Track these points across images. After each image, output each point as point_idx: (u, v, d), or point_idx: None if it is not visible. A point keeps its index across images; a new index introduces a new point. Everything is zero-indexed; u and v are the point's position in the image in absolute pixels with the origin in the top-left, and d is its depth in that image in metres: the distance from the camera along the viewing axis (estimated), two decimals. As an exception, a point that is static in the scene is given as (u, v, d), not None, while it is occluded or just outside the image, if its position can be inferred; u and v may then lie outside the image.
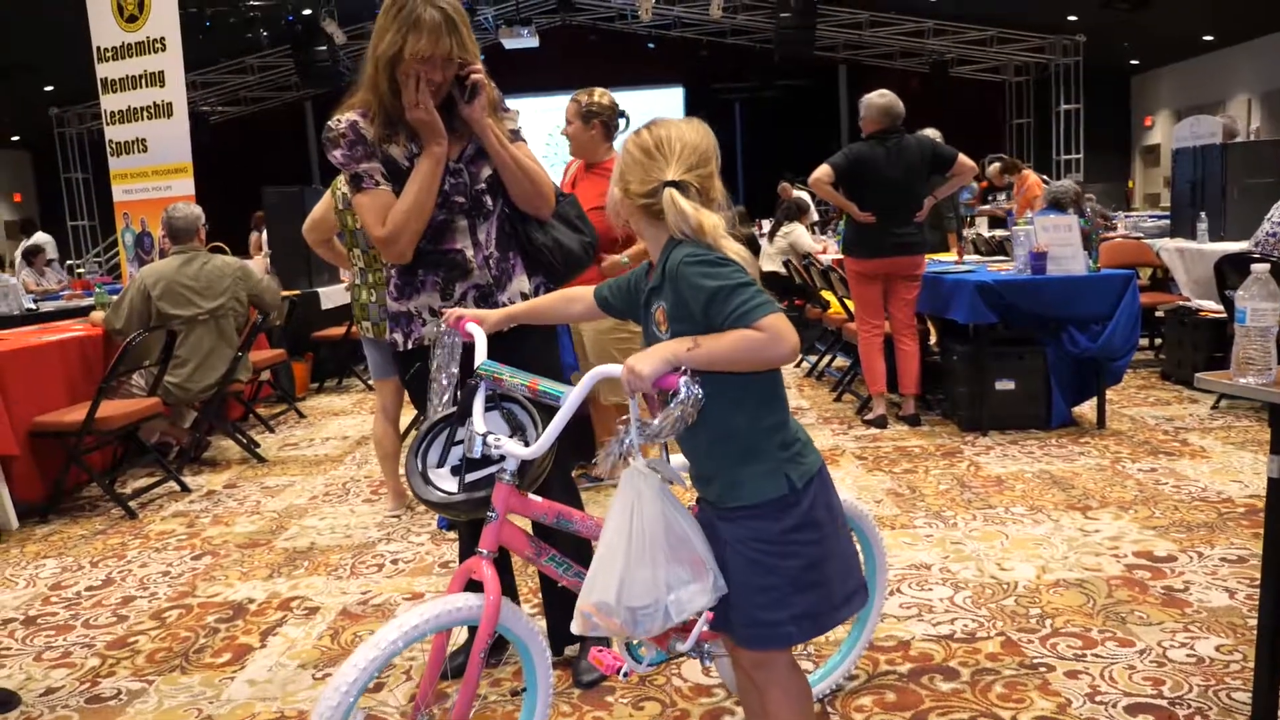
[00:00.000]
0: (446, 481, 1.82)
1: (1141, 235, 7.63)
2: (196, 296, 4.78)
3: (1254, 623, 2.19)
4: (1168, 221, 7.48)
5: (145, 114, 6.64)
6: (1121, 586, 2.84)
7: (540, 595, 2.66)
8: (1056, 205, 5.66)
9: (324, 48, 13.51)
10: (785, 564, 1.56)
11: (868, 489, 3.96)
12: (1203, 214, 6.24)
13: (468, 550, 2.46)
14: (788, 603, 1.56)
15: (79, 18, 6.76)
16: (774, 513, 1.56)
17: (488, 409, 1.81)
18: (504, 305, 2.26)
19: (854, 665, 2.35)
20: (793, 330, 1.44)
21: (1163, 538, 3.22)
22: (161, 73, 6.56)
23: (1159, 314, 6.17)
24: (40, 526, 4.17)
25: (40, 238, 11.41)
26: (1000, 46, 15.39)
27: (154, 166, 6.70)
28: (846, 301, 5.61)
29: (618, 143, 3.78)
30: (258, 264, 7.45)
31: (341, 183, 3.80)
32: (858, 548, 1.81)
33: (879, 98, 4.86)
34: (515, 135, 2.30)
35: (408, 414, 4.70)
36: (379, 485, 4.40)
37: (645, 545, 1.50)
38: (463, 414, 1.80)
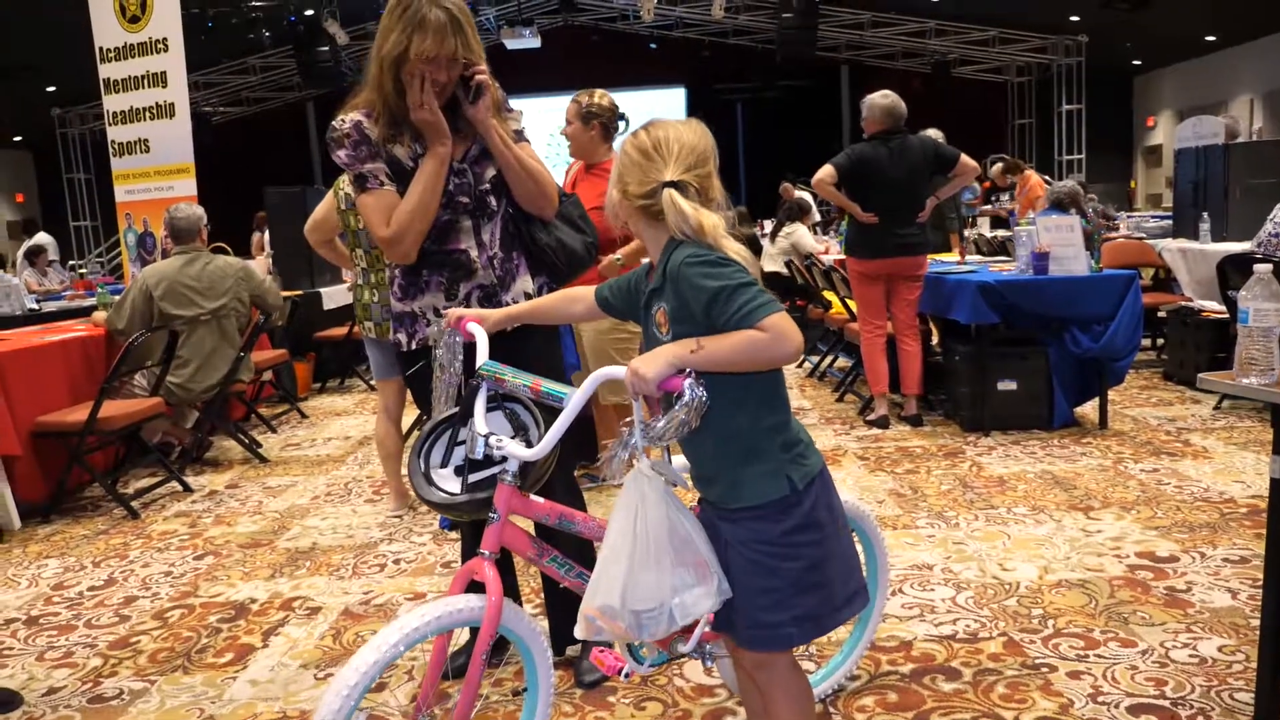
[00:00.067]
0: (449, 482, 1.82)
1: (1144, 235, 7.63)
2: (199, 297, 4.78)
3: (1256, 623, 2.19)
4: (1170, 222, 7.48)
5: (147, 114, 6.65)
6: (1124, 587, 2.84)
7: (542, 595, 2.66)
8: (1058, 206, 5.66)
9: (326, 48, 13.51)
10: (786, 565, 1.56)
11: (870, 489, 3.96)
12: (1205, 214, 6.23)
13: (470, 550, 2.47)
14: (789, 604, 1.56)
15: (80, 18, 6.77)
16: (775, 514, 1.55)
17: (491, 409, 1.81)
18: (508, 305, 2.26)
19: (856, 665, 2.35)
20: (796, 329, 1.44)
21: (1165, 538, 3.21)
22: (164, 73, 6.56)
23: (1161, 314, 6.16)
24: (42, 526, 4.17)
25: (42, 238, 11.43)
26: (1002, 47, 15.38)
27: (156, 167, 6.71)
28: (848, 302, 5.61)
29: (617, 144, 3.79)
30: (260, 264, 7.46)
31: (344, 183, 3.80)
32: (859, 548, 1.81)
33: (882, 98, 4.86)
34: (519, 135, 2.31)
35: (410, 414, 4.70)
36: (381, 485, 4.40)
37: (650, 548, 1.49)
38: (465, 414, 1.80)
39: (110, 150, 6.87)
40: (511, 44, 14.25)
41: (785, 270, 7.85)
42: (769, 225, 9.76)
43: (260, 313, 5.18)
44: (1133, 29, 13.68)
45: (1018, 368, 4.72)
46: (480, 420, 1.75)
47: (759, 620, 1.58)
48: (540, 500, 1.82)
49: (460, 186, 2.25)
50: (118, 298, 4.94)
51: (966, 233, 8.30)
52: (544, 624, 2.59)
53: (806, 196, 9.79)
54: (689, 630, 1.69)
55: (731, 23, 15.37)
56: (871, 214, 4.79)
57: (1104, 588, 2.84)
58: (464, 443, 1.79)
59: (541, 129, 2.58)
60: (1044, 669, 2.38)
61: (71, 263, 13.70)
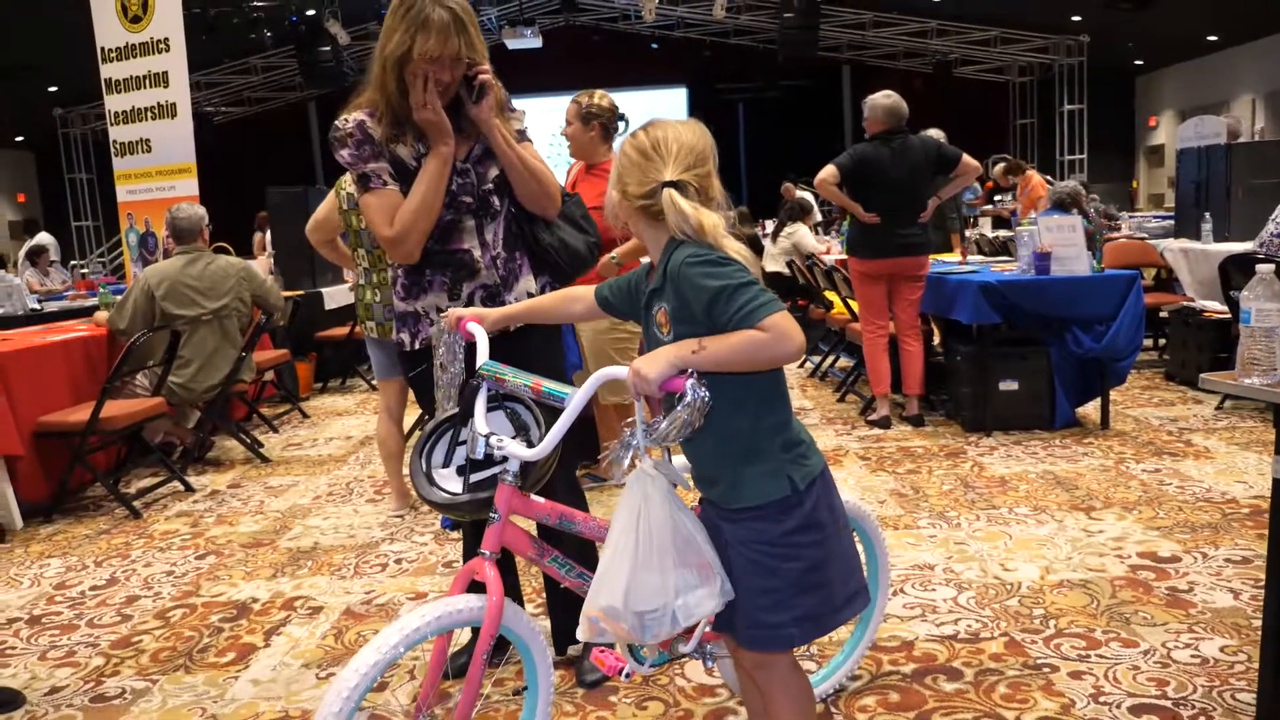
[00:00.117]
0: (451, 482, 1.82)
1: (1146, 236, 7.62)
2: (200, 297, 4.79)
3: (1258, 623, 2.19)
4: (1172, 222, 7.48)
5: (149, 114, 6.66)
6: (1125, 587, 2.84)
7: (544, 595, 2.66)
8: (1060, 206, 5.66)
9: (328, 48, 13.52)
10: (787, 566, 1.56)
11: (871, 489, 3.96)
12: (1207, 214, 6.23)
13: (471, 550, 2.47)
14: (789, 604, 1.56)
15: (81, 18, 6.78)
16: (776, 514, 1.55)
17: (492, 409, 1.80)
18: (520, 302, 2.26)
19: (857, 665, 2.35)
20: (797, 328, 1.44)
21: (1167, 538, 3.21)
22: (165, 73, 6.58)
23: (1163, 314, 6.16)
24: (45, 526, 4.17)
25: (43, 238, 11.44)
26: (1004, 47, 15.37)
27: (158, 167, 6.72)
28: (850, 302, 5.61)
29: (617, 144, 3.80)
30: (261, 264, 7.46)
31: (345, 183, 3.80)
32: (860, 548, 1.81)
33: (884, 98, 4.86)
34: (522, 135, 2.31)
35: (411, 414, 4.70)
36: (382, 485, 4.41)
37: (653, 549, 1.49)
38: (465, 414, 1.80)
39: (112, 150, 6.88)
40: (513, 44, 14.25)
41: (787, 270, 7.85)
42: (770, 225, 9.76)
43: (262, 313, 5.19)
44: (1134, 29, 13.67)
45: (1019, 368, 4.72)
46: (481, 420, 1.75)
47: (760, 620, 1.57)
48: (541, 500, 1.82)
49: (463, 186, 2.25)
50: (119, 298, 4.94)
51: (968, 233, 8.30)
52: (546, 624, 2.59)
53: (808, 196, 9.80)
54: (690, 630, 1.69)
55: (733, 23, 15.37)
56: (873, 214, 4.79)
57: (1106, 588, 2.84)
58: (465, 443, 1.79)
59: (543, 129, 2.59)
60: (1045, 669, 2.38)
61: (73, 263, 13.69)
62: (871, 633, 2.33)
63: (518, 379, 1.76)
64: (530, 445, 1.73)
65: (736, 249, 1.52)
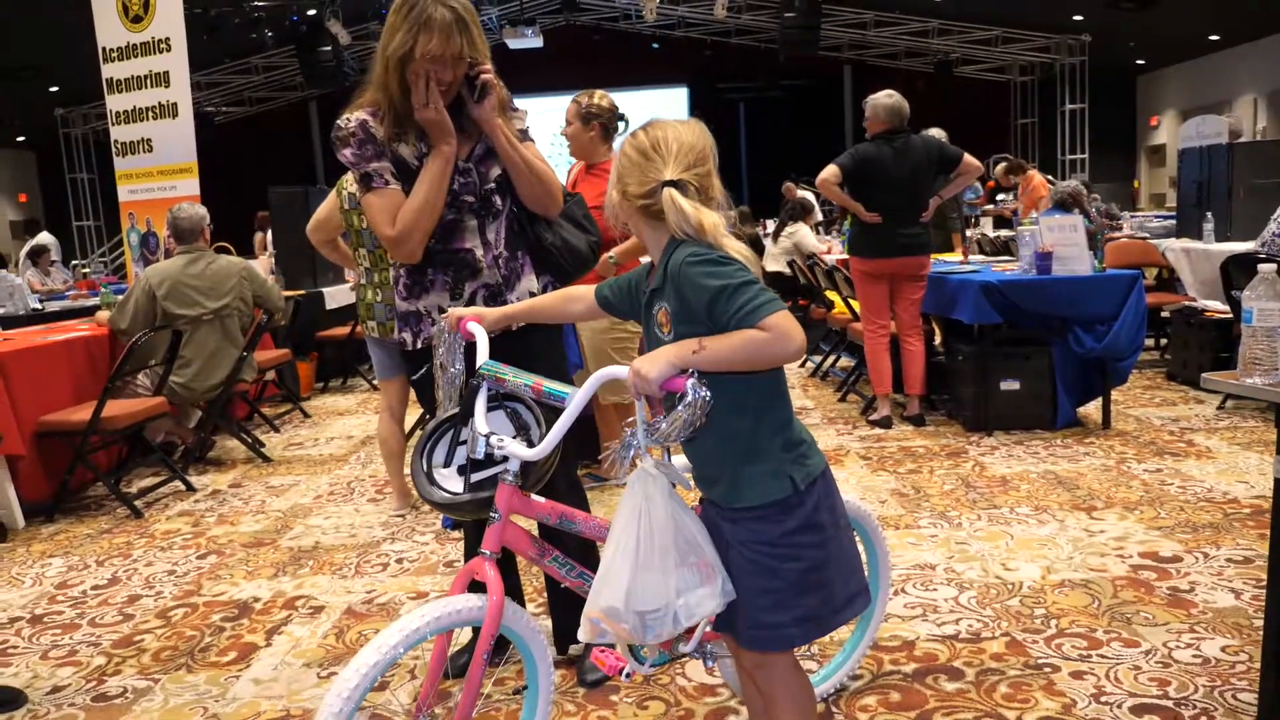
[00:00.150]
0: (452, 481, 1.82)
1: (1147, 235, 7.62)
2: (201, 296, 4.79)
3: (1260, 623, 2.18)
4: (1173, 221, 7.47)
5: (150, 114, 6.66)
6: (1127, 587, 2.84)
7: (545, 594, 2.66)
8: (1061, 206, 5.66)
9: (328, 48, 13.51)
10: (787, 566, 1.56)
11: (872, 489, 3.95)
12: (1209, 214, 6.22)
13: (473, 550, 2.47)
14: (790, 605, 1.56)
15: (81, 18, 6.78)
16: (777, 514, 1.55)
17: (493, 408, 1.80)
18: (512, 304, 2.26)
19: (858, 665, 2.35)
20: (798, 327, 1.44)
21: (1168, 538, 3.21)
22: (166, 73, 6.58)
23: (1165, 314, 6.15)
24: (46, 526, 4.18)
25: (44, 238, 11.45)
26: (1005, 46, 15.36)
27: (159, 166, 6.72)
28: (851, 302, 5.61)
29: (617, 144, 3.80)
30: (262, 264, 7.47)
31: (347, 182, 3.80)
32: (860, 548, 1.81)
33: (886, 98, 4.86)
34: (524, 135, 2.31)
35: (413, 413, 4.71)
36: (383, 485, 4.41)
37: (654, 549, 1.49)
38: (466, 414, 1.80)
39: (113, 150, 6.88)
40: (514, 44, 14.25)
41: (788, 270, 7.85)
42: (771, 225, 9.77)
43: (263, 313, 5.19)
44: (1136, 28, 13.66)
45: (1021, 368, 4.72)
46: (481, 420, 1.75)
47: (760, 621, 1.57)
48: (541, 500, 1.82)
49: (465, 186, 2.25)
50: (121, 297, 4.94)
51: (969, 232, 8.30)
52: (547, 623, 2.59)
53: (809, 196, 9.80)
54: (690, 630, 1.69)
55: (734, 22, 15.37)
56: (875, 213, 4.79)
57: (1107, 588, 2.84)
58: (466, 442, 1.79)
59: (544, 128, 2.59)
60: (1047, 669, 2.38)
61: (74, 262, 13.72)
62: (872, 633, 2.33)
63: (518, 379, 1.76)
64: (531, 445, 1.73)
65: (737, 248, 1.51)
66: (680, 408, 1.44)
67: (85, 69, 7.43)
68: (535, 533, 1.93)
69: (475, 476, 1.78)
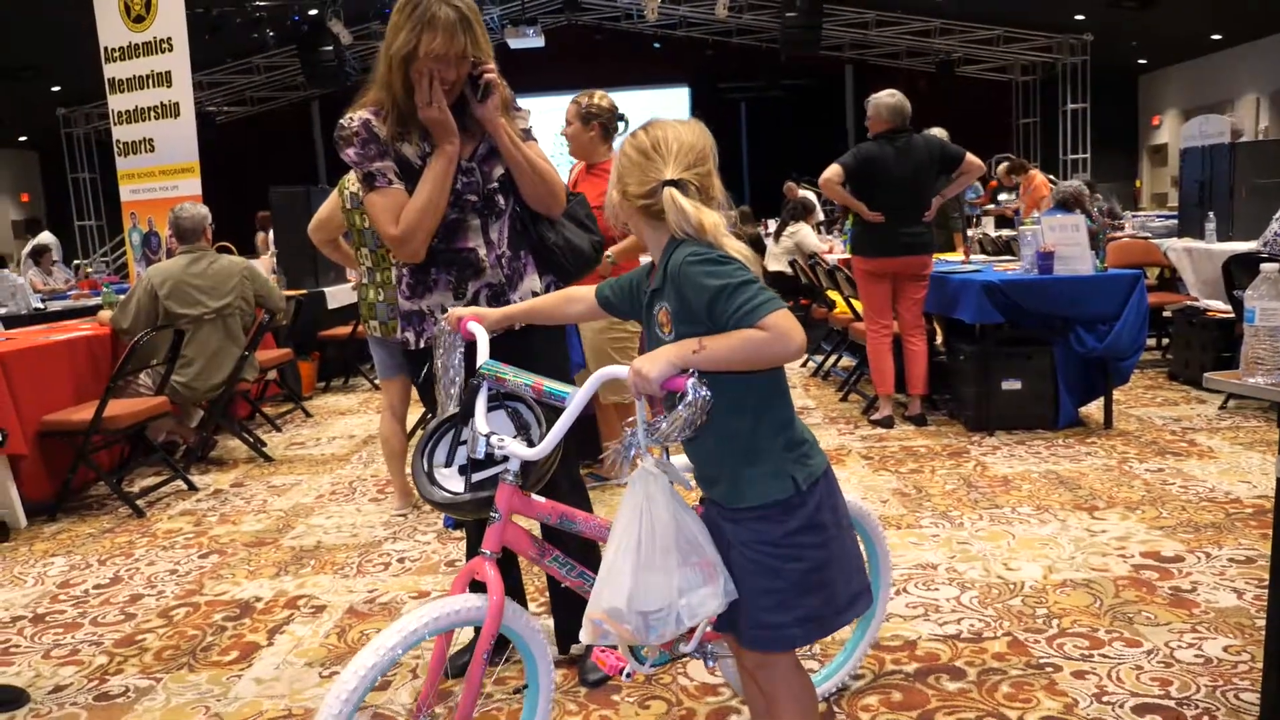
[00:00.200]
0: (452, 481, 1.82)
1: (1149, 235, 7.61)
2: (203, 295, 4.79)
3: (1262, 623, 2.18)
4: (1175, 221, 7.47)
5: (152, 114, 6.67)
6: (1129, 587, 2.84)
7: (547, 594, 2.66)
8: (1063, 205, 5.65)
9: (330, 48, 13.53)
10: (789, 567, 1.55)
11: (874, 489, 3.95)
12: (1210, 213, 6.22)
13: (475, 549, 2.47)
14: (792, 605, 1.56)
15: (81, 19, 6.79)
16: (779, 515, 1.55)
17: (493, 408, 1.80)
18: (515, 304, 2.26)
19: (859, 664, 2.35)
20: (798, 327, 1.44)
21: (1170, 538, 3.21)
22: (168, 73, 6.59)
23: (1166, 314, 6.15)
24: (48, 525, 4.18)
25: (44, 237, 11.46)
26: (1007, 46, 15.36)
27: (161, 166, 6.73)
28: (853, 301, 5.61)
29: (617, 144, 3.81)
30: (264, 264, 7.47)
31: (349, 182, 3.81)
32: (860, 547, 1.81)
33: (888, 97, 4.86)
34: (527, 134, 2.31)
35: (414, 413, 4.70)
36: (385, 484, 4.41)
37: (656, 548, 1.48)
38: (466, 414, 1.80)
39: (115, 150, 6.89)
40: (515, 43, 14.25)
41: (789, 270, 7.85)
42: (773, 224, 9.76)
43: (265, 312, 5.19)
44: (1138, 28, 13.65)
45: (1022, 367, 4.72)
46: (481, 419, 1.75)
47: (762, 621, 1.57)
48: (542, 500, 1.82)
49: (468, 185, 2.25)
50: (123, 297, 4.95)
51: (970, 232, 8.29)
52: (549, 622, 2.59)
53: (810, 196, 9.80)
54: (691, 630, 1.69)
55: (735, 22, 15.36)
56: (878, 213, 4.79)
57: (1109, 587, 2.84)
58: (467, 442, 1.79)
59: (545, 128, 2.59)
60: (1049, 669, 2.38)
61: (76, 262, 13.73)
62: (872, 632, 2.33)
63: (518, 378, 1.76)
64: (531, 445, 1.72)
65: (737, 248, 1.51)
66: (681, 407, 1.43)
67: (87, 69, 7.44)
68: (538, 533, 1.93)
69: (476, 476, 1.78)
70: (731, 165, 17.13)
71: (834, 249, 8.27)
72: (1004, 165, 9.78)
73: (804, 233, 8.34)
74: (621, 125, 3.86)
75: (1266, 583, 2.04)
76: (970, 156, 4.86)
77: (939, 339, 5.56)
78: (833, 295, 6.18)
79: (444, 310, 2.28)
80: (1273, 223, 4.73)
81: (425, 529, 3.77)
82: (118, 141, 6.85)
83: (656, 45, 16.95)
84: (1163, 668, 2.34)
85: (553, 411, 1.72)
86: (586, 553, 2.17)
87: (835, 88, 17.50)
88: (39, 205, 18.20)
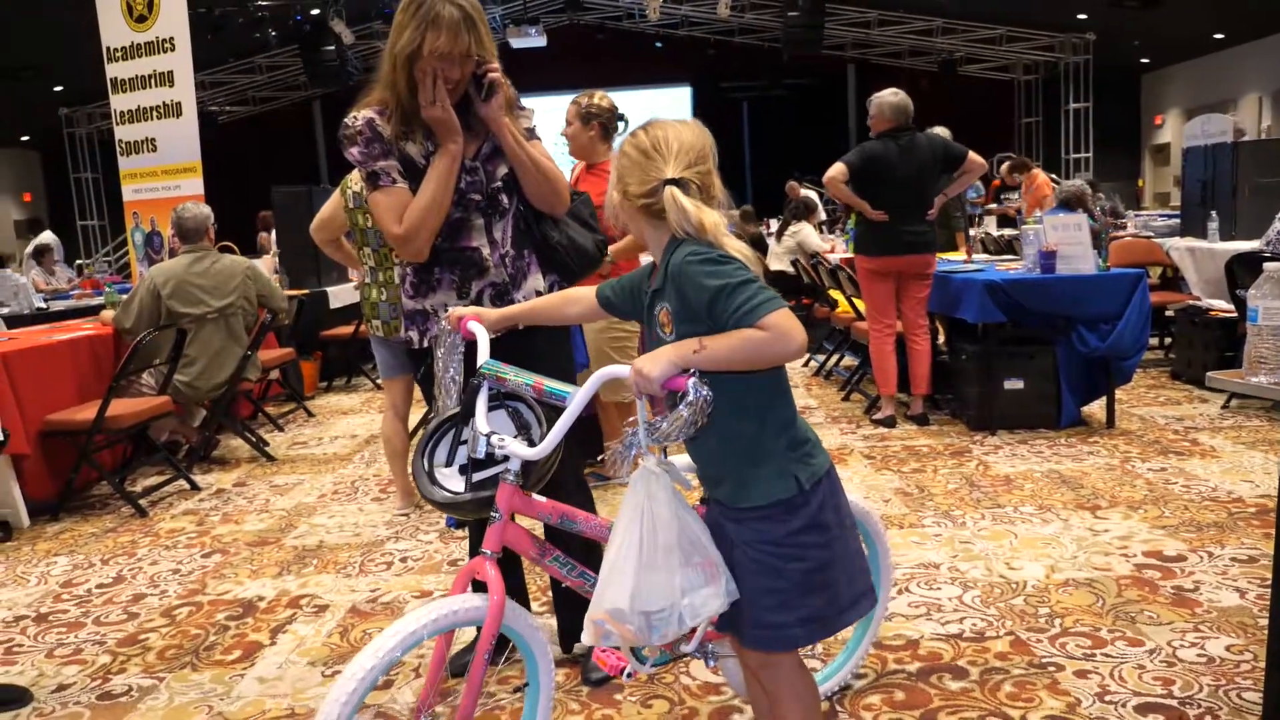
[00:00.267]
0: (453, 481, 1.81)
1: (1151, 234, 7.61)
2: (206, 295, 4.80)
3: (1265, 622, 2.18)
4: (1178, 220, 7.46)
5: (154, 114, 6.68)
6: (1131, 586, 2.83)
7: (550, 593, 2.67)
8: (1066, 205, 5.65)
9: (332, 47, 13.54)
10: (792, 567, 1.55)
11: (876, 488, 3.95)
12: (1213, 213, 6.21)
13: (477, 549, 2.47)
14: (794, 605, 1.56)
15: (82, 19, 6.80)
16: (782, 514, 1.55)
17: (494, 408, 1.80)
18: (519, 303, 2.26)
19: (860, 663, 2.35)
20: (798, 326, 1.44)
21: (1173, 537, 3.21)
22: (170, 72, 6.60)
23: (1169, 313, 6.14)
24: (51, 524, 4.19)
25: (46, 237, 11.47)
26: (1009, 45, 15.35)
27: (163, 166, 6.74)
28: (855, 301, 5.60)
29: (617, 144, 3.82)
30: (266, 264, 7.48)
31: (351, 181, 3.81)
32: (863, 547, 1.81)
33: (892, 96, 4.86)
34: (530, 133, 2.31)
35: (417, 412, 4.71)
36: (387, 484, 4.41)
37: (658, 548, 1.48)
38: (467, 413, 1.80)
39: (118, 149, 6.90)
40: (517, 43, 14.25)
41: (791, 269, 7.85)
42: (774, 224, 9.76)
43: (267, 312, 5.20)
44: (1140, 27, 13.64)
45: (1025, 367, 4.72)
46: (482, 419, 1.75)
47: (764, 621, 1.57)
48: (543, 500, 1.82)
49: (472, 184, 2.25)
50: (125, 296, 4.95)
51: (972, 231, 8.29)
52: (553, 621, 2.59)
53: (812, 195, 9.79)
54: (692, 630, 1.69)
55: (737, 21, 15.36)
56: (881, 211, 4.79)
57: (1111, 587, 2.84)
58: (467, 442, 1.79)
59: (547, 128, 2.59)
60: (1051, 668, 2.37)
61: (79, 262, 13.76)
62: (873, 631, 2.33)
63: (519, 378, 1.76)
64: (532, 444, 1.72)
65: (737, 247, 1.51)
66: (682, 407, 1.44)
67: (89, 69, 7.45)
68: (540, 532, 1.93)
69: (476, 476, 1.78)
70: (733, 165, 17.15)
71: (836, 248, 8.27)
72: (1007, 164, 9.78)
73: (806, 232, 8.33)
74: (621, 125, 3.87)
75: (1269, 582, 2.04)
76: (973, 155, 4.86)
77: (941, 338, 5.55)
78: (835, 295, 6.18)
79: (448, 310, 2.28)
80: (1275, 222, 4.73)
81: (427, 528, 3.78)
82: (120, 141, 6.86)
83: (658, 45, 16.96)
84: (1165, 667, 2.34)
85: (553, 411, 1.72)
86: (588, 553, 2.17)
87: (837, 87, 17.49)
88: (41, 205, 18.23)
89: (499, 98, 2.17)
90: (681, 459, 1.66)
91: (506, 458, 1.73)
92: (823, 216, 10.50)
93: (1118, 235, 7.43)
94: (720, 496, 1.61)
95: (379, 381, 5.86)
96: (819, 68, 16.72)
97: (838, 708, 2.25)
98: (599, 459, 4.19)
